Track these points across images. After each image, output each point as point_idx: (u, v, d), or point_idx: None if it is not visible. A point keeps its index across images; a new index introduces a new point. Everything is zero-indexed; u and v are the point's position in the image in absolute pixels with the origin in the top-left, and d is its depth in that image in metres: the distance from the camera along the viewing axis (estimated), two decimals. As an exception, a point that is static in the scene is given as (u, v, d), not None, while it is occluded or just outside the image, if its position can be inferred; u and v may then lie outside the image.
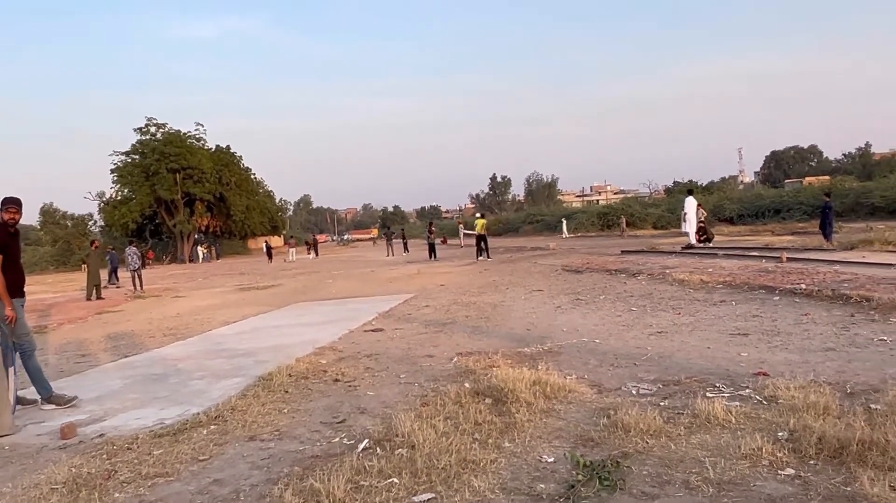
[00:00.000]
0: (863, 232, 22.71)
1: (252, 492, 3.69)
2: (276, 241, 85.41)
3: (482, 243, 26.55)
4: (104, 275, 26.06)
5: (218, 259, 61.30)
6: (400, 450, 4.03)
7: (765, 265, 13.64)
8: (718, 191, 60.90)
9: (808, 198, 42.05)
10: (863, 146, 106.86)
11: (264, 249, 51.59)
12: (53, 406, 6.13)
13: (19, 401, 6.11)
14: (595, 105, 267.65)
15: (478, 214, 40.23)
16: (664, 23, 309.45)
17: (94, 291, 20.62)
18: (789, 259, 14.21)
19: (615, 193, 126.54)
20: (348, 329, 9.88)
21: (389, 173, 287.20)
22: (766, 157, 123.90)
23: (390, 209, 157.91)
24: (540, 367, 5.89)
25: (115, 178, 65.72)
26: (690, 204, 21.76)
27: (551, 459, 3.83)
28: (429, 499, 3.34)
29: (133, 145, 64.92)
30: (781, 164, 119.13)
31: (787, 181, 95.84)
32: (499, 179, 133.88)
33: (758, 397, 4.74)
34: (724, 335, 7.39)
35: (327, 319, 11.41)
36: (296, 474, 3.85)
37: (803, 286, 10.03)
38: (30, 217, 77.68)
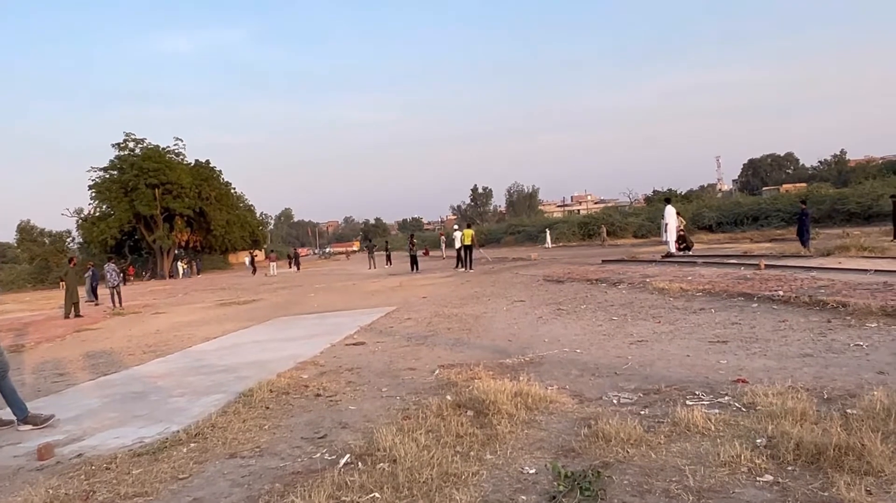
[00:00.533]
0: (839, 238, 22.96)
1: (232, 510, 3.66)
2: (258, 255, 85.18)
3: (468, 253, 26.54)
4: (83, 292, 25.74)
5: (198, 274, 60.79)
6: (381, 464, 4.01)
7: (743, 272, 13.77)
8: (697, 199, 61.46)
9: (786, 205, 42.50)
10: (838, 153, 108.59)
11: (247, 263, 51.41)
12: (30, 427, 6.04)
13: (-5, 422, 6.02)
14: (575, 116, 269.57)
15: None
16: (640, 36, 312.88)
17: (73, 309, 20.36)
18: (767, 266, 14.35)
19: (595, 203, 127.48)
20: (330, 343, 9.85)
21: (370, 186, 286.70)
22: (744, 164, 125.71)
23: (372, 222, 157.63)
24: (521, 379, 5.89)
25: (94, 194, 65.02)
26: (670, 213, 21.94)
27: (533, 471, 3.84)
28: (410, 514, 3.33)
29: (111, 161, 64.31)
30: (759, 172, 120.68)
31: (764, 189, 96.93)
32: (480, 190, 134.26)
33: (737, 404, 4.79)
34: (704, 343, 7.45)
35: (309, 334, 11.36)
36: (277, 491, 3.83)
37: (781, 293, 10.14)
38: (6, 234, 76.76)
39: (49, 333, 15.81)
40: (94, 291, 28.38)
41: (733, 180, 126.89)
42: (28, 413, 6.15)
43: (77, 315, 20.19)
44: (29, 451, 5.29)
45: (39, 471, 4.76)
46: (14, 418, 6.14)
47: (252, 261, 50.48)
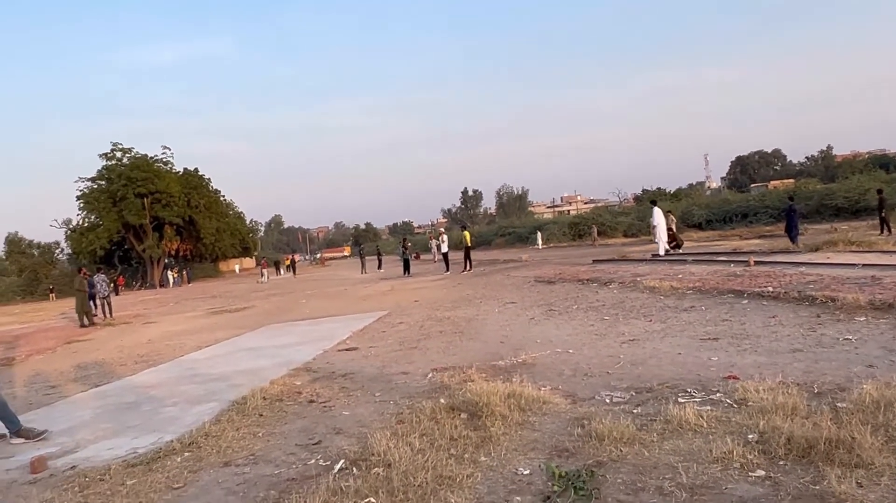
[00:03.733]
0: (827, 233, 23.13)
1: (228, 518, 3.66)
2: (248, 262, 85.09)
3: (466, 254, 26.66)
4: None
5: (189, 283, 60.51)
6: (376, 469, 4.02)
7: (733, 269, 13.85)
8: (686, 197, 61.69)
9: (774, 201, 42.72)
10: (825, 149, 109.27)
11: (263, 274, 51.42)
12: (23, 440, 6.01)
13: (-13, 436, 5.99)
14: (563, 117, 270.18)
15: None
16: (625, 36, 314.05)
17: (86, 317, 20.41)
18: (757, 262, 14.44)
19: (585, 203, 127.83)
20: (322, 349, 9.84)
21: (360, 191, 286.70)
22: (732, 162, 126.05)
23: (362, 226, 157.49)
24: (514, 380, 5.92)
25: (82, 205, 64.68)
26: (658, 215, 22.01)
27: (527, 471, 3.85)
28: (406, 517, 3.34)
29: (99, 171, 63.97)
30: (747, 169, 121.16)
31: (752, 185, 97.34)
32: (470, 193, 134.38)
33: (728, 401, 4.82)
34: (695, 340, 7.49)
35: (301, 340, 11.34)
36: (272, 498, 3.83)
37: (771, 289, 10.20)
38: (-7, 247, 76.40)
39: (39, 345, 15.72)
40: (92, 300, 28.29)
41: (721, 178, 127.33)
42: (21, 426, 6.12)
43: (91, 323, 20.22)
44: (22, 465, 5.26)
45: (33, 484, 4.74)
46: (6, 432, 6.11)
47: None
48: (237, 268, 77.11)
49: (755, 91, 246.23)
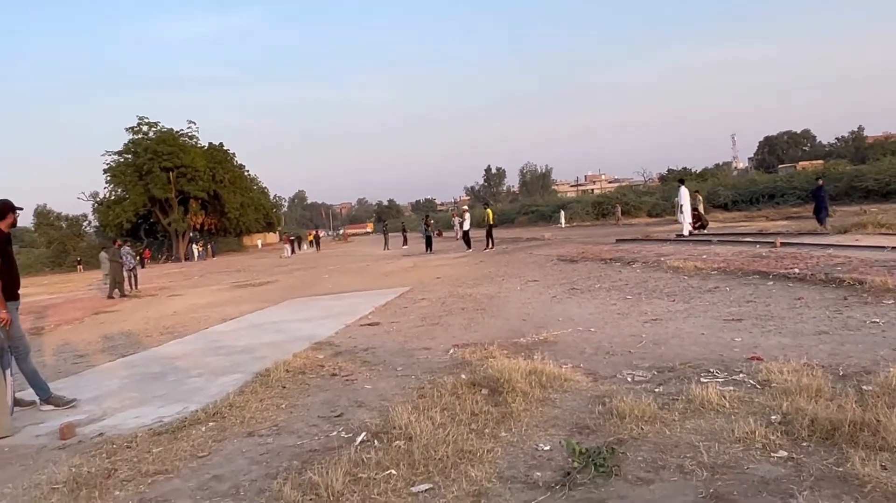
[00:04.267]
0: (856, 215, 22.80)
1: (251, 487, 3.72)
2: (272, 237, 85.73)
3: (489, 232, 26.67)
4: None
5: (214, 257, 61.16)
6: (397, 442, 4.05)
7: (759, 250, 13.70)
8: (712, 177, 61.01)
9: (802, 182, 42.10)
10: (855, 129, 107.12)
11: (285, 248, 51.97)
12: (52, 407, 6.14)
13: (17, 402, 6.12)
14: (589, 95, 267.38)
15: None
16: (652, 12, 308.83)
17: (118, 288, 20.76)
18: (783, 244, 14.26)
19: (610, 182, 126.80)
20: (345, 324, 9.91)
21: (384, 167, 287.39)
22: (760, 142, 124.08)
23: (385, 203, 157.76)
24: (536, 357, 5.92)
25: (108, 178, 65.50)
26: (684, 194, 21.79)
27: (547, 447, 3.87)
28: (426, 490, 3.37)
29: (125, 144, 64.66)
30: (775, 150, 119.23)
31: (780, 166, 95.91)
32: (493, 171, 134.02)
33: (751, 381, 4.78)
34: (719, 321, 7.43)
35: (324, 314, 11.43)
36: (294, 468, 3.88)
37: (797, 270, 10.08)
38: (24, 219, 77.46)
39: (68, 316, 16.03)
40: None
41: (749, 158, 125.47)
42: (50, 394, 6.25)
43: (122, 295, 20.57)
44: (51, 431, 5.38)
45: (62, 449, 4.85)
46: (36, 398, 6.25)
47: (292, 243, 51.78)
48: (259, 243, 77.74)
49: (785, 69, 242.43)
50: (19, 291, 6.36)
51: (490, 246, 25.97)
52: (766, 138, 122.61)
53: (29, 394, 6.35)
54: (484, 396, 4.94)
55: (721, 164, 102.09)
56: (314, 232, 68.79)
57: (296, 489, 3.48)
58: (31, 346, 6.52)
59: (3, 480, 4.27)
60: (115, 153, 65.08)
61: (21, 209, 6.32)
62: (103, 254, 24.82)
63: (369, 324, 9.67)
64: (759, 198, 44.56)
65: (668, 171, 72.11)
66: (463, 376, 5.58)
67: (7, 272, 6.09)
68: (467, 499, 3.25)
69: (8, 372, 5.86)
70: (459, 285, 13.95)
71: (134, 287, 23.27)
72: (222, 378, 6.83)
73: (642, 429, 3.97)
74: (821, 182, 22.89)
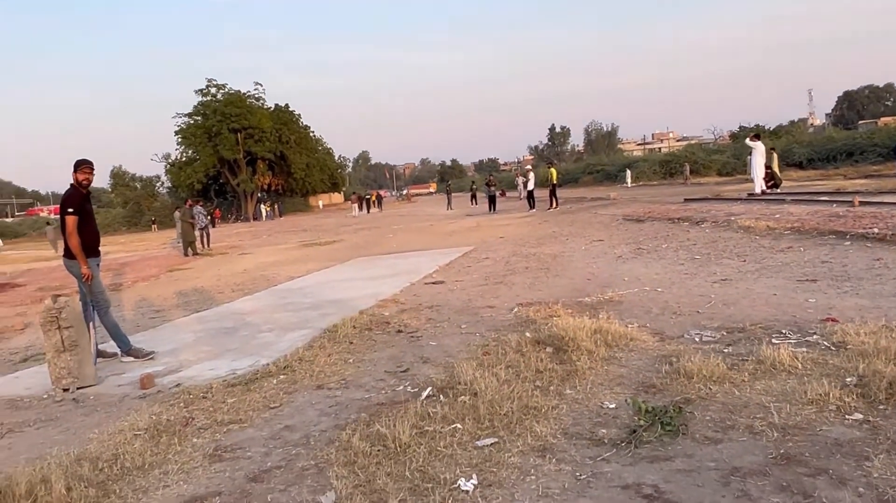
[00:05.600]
0: (942, 173, 21.63)
1: (321, 437, 3.83)
2: (336, 197, 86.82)
3: (553, 191, 26.49)
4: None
5: (281, 217, 62.43)
6: (462, 397, 4.10)
7: (835, 210, 13.17)
8: (787, 134, 58.40)
9: (884, 139, 39.94)
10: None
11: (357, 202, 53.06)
12: (132, 359, 6.42)
13: (100, 354, 6.43)
14: (657, 50, 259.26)
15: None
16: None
17: (190, 248, 21.43)
18: (862, 203, 13.67)
19: (678, 140, 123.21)
20: (409, 282, 10.01)
21: (447, 127, 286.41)
22: (839, 97, 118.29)
23: (448, 163, 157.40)
24: (601, 316, 5.87)
25: (179, 140, 67.35)
26: (758, 149, 20.93)
27: (613, 405, 3.86)
28: (492, 444, 3.41)
29: (195, 107, 66.19)
30: (855, 105, 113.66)
31: (860, 122, 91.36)
32: (557, 130, 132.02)
33: (826, 343, 4.65)
34: (792, 282, 7.22)
35: (388, 273, 11.56)
36: (362, 420, 3.98)
37: (876, 230, 9.67)
38: (101, 180, 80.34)
39: (144, 273, 16.65)
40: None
41: (826, 114, 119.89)
42: (130, 346, 6.54)
43: (195, 254, 21.23)
44: (132, 381, 5.64)
45: (142, 398, 5.08)
46: (118, 351, 6.55)
47: (362, 203, 53.10)
48: (321, 203, 78.76)
49: (865, 20, 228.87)
50: (99, 248, 6.64)
51: (554, 205, 25.75)
52: (846, 93, 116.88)
53: (111, 346, 6.66)
54: (548, 354, 4.95)
55: (796, 120, 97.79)
56: (375, 192, 69.41)
57: (364, 440, 3.57)
58: (111, 301, 6.81)
59: (89, 426, 4.51)
60: (185, 115, 66.72)
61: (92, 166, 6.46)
62: (177, 214, 25.59)
63: (433, 283, 9.75)
64: (836, 155, 42.54)
65: (740, 128, 69.41)
66: (527, 334, 5.59)
67: (87, 229, 6.36)
68: (532, 453, 3.28)
69: (91, 325, 6.16)
70: (523, 245, 13.89)
71: (206, 246, 23.97)
72: (291, 333, 7.01)
73: (710, 389, 3.92)
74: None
